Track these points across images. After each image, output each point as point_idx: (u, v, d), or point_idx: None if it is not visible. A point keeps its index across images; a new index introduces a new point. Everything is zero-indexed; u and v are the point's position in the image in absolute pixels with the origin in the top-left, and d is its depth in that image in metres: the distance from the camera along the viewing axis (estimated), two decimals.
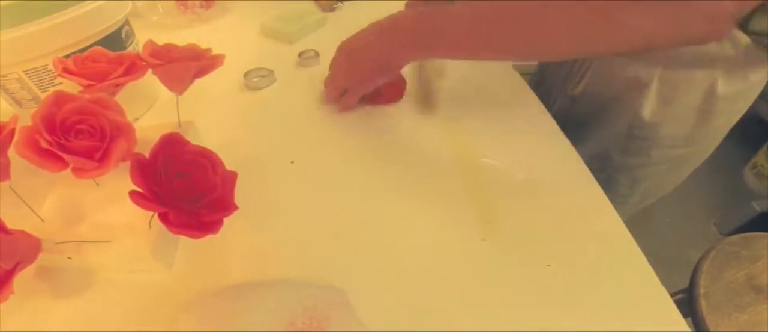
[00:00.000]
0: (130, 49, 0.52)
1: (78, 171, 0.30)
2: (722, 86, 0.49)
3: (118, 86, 0.37)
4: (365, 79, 0.49)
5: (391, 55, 0.46)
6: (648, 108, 0.53)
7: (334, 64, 0.53)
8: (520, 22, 0.37)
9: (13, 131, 0.31)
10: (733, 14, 0.30)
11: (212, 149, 0.33)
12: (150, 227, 0.34)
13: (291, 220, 0.40)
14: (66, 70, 0.37)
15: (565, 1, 0.33)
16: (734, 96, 0.51)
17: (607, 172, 0.60)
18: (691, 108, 0.52)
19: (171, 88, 0.40)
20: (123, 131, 0.32)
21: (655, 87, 0.51)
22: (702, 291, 0.65)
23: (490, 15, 0.38)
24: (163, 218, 0.29)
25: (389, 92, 0.54)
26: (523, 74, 0.59)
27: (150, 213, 0.32)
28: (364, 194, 0.42)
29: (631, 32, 0.32)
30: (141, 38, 0.51)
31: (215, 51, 0.41)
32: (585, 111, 0.43)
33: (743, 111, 0.55)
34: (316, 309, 0.30)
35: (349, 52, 0.50)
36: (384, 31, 0.46)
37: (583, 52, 0.40)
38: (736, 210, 1.34)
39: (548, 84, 0.67)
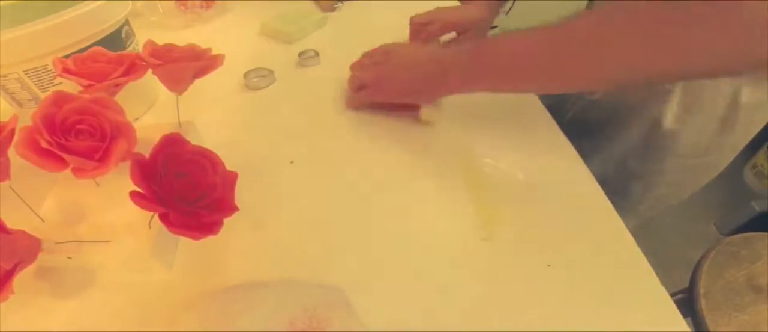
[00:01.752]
0: (130, 49, 0.52)
1: (78, 171, 0.30)
2: (746, 95, 0.48)
3: (118, 86, 0.37)
4: (395, 94, 0.49)
5: (435, 83, 0.45)
6: (669, 116, 0.52)
7: (371, 59, 0.52)
8: (579, 49, 0.35)
9: (13, 131, 0.31)
10: None
11: (212, 149, 0.33)
12: (150, 227, 0.34)
13: (291, 220, 0.40)
14: (66, 70, 0.37)
15: (624, 21, 0.31)
16: (756, 105, 0.50)
17: (621, 178, 0.60)
18: (712, 117, 0.51)
19: (171, 88, 0.40)
20: (123, 131, 0.32)
21: (677, 95, 0.50)
22: (702, 291, 0.65)
23: (547, 44, 0.37)
24: (163, 218, 0.29)
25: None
26: None
27: (150, 213, 0.32)
28: (364, 194, 0.42)
29: (700, 54, 0.30)
30: (141, 38, 0.51)
31: (215, 51, 0.41)
32: (603, 117, 0.42)
33: (763, 123, 0.54)
34: (316, 309, 0.30)
35: (396, 65, 0.49)
36: (438, 57, 0.46)
37: (649, 77, 0.35)
38: (736, 210, 1.34)
39: None
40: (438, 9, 0.64)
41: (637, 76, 0.35)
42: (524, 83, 0.42)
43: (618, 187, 0.59)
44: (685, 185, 0.61)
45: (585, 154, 0.45)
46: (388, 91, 0.49)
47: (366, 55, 0.54)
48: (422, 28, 0.62)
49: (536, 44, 0.37)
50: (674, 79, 0.35)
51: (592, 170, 0.43)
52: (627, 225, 0.38)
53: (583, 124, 0.43)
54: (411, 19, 0.63)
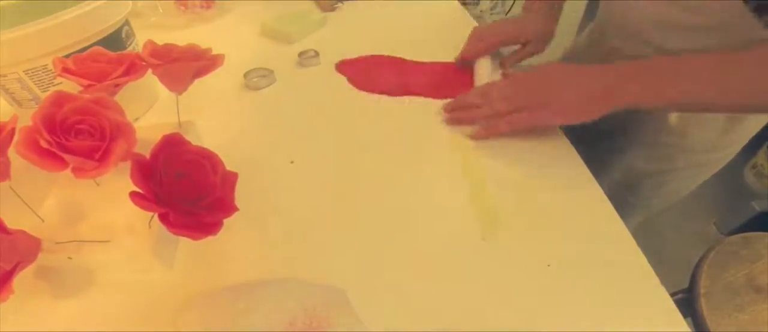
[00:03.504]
0: (130, 49, 0.52)
1: (78, 171, 0.30)
2: None
3: (118, 86, 0.37)
4: (558, 114, 0.45)
5: (612, 89, 0.42)
6: (677, 115, 0.52)
7: (515, 82, 0.49)
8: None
9: (13, 131, 0.31)
10: None
11: (212, 149, 0.33)
12: (150, 227, 0.34)
13: (291, 220, 0.40)
14: (66, 70, 0.37)
15: None
16: None
17: (632, 176, 0.60)
18: (720, 115, 0.51)
19: (171, 88, 0.40)
20: (123, 131, 0.32)
21: None
22: (702, 291, 0.65)
23: (735, 64, 0.38)
24: (163, 218, 0.29)
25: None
26: None
27: (150, 213, 0.32)
28: (364, 194, 0.42)
29: None
30: (141, 38, 0.51)
31: (215, 51, 0.41)
32: (613, 117, 0.42)
33: None
34: (316, 309, 0.30)
35: (553, 74, 0.46)
36: (606, 68, 0.43)
37: None
38: (736, 210, 1.34)
39: None
40: (501, 21, 0.63)
41: None
42: (703, 98, 0.40)
43: (630, 185, 0.59)
44: (694, 179, 0.61)
45: (597, 156, 0.45)
46: (556, 110, 0.45)
47: (490, 88, 0.50)
48: (481, 39, 0.61)
49: (733, 62, 0.38)
50: None
51: (603, 173, 0.43)
52: (636, 221, 0.38)
53: (593, 125, 0.43)
54: (474, 30, 0.62)
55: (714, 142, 0.54)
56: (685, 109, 0.43)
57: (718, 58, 0.39)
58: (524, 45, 0.61)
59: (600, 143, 0.48)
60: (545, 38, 0.62)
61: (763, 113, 0.51)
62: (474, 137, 0.47)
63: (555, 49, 0.72)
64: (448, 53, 0.63)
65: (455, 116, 0.50)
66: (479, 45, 0.60)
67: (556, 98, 0.45)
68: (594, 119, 0.43)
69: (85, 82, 0.36)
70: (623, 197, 0.40)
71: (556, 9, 0.61)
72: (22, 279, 0.28)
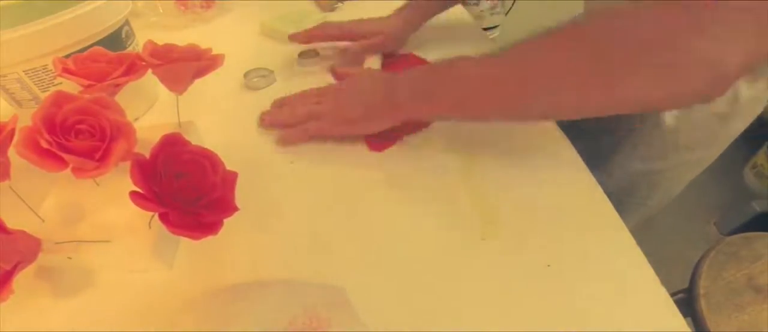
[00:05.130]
0: (130, 49, 0.52)
1: (78, 171, 0.30)
2: (745, 90, 0.49)
3: (118, 86, 0.37)
4: (348, 123, 0.46)
5: (387, 106, 0.43)
6: (670, 115, 0.53)
7: (308, 98, 0.50)
8: (526, 83, 0.36)
9: (13, 131, 0.31)
10: (736, 75, 0.28)
11: (212, 149, 0.33)
12: (150, 227, 0.34)
13: (291, 220, 0.40)
14: (66, 70, 0.37)
15: (567, 59, 0.33)
16: (755, 99, 0.51)
17: (627, 177, 0.60)
18: (713, 113, 0.52)
19: (171, 88, 0.40)
20: (123, 131, 0.32)
21: None
22: (702, 291, 0.65)
23: (499, 74, 0.37)
24: (163, 218, 0.29)
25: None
26: None
27: (150, 213, 0.32)
28: (363, 194, 0.42)
29: (625, 93, 0.32)
30: (141, 38, 0.51)
31: (215, 51, 0.41)
32: (607, 118, 0.42)
33: (758, 113, 0.55)
34: (316, 309, 0.30)
35: (349, 93, 0.47)
36: (386, 77, 0.44)
37: (583, 111, 0.37)
38: (736, 210, 1.34)
39: None
40: (355, 21, 0.63)
41: (570, 111, 0.37)
42: (478, 109, 0.40)
43: (626, 186, 0.59)
44: (686, 177, 0.62)
45: (592, 157, 0.45)
46: (339, 121, 0.46)
47: (301, 94, 0.52)
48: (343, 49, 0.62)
49: (495, 68, 0.37)
50: (598, 113, 0.36)
51: (599, 173, 0.43)
52: (634, 222, 0.38)
53: (588, 126, 0.43)
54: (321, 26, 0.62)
55: (706, 139, 0.55)
56: (471, 119, 0.43)
57: (481, 61, 0.38)
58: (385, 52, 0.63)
59: (596, 142, 0.48)
60: (397, 41, 0.63)
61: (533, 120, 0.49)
62: (278, 143, 0.47)
63: None
64: (448, 53, 0.62)
65: (261, 117, 0.50)
66: (317, 33, 0.60)
67: (349, 109, 0.46)
68: (382, 129, 0.44)
69: (85, 82, 0.36)
70: (619, 198, 0.40)
71: (417, 18, 0.63)
72: (22, 279, 0.28)
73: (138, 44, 0.55)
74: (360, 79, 0.49)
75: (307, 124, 0.47)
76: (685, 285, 0.69)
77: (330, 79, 0.59)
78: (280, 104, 0.52)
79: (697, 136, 0.54)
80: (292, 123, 0.48)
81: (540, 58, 0.35)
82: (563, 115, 0.41)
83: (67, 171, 0.30)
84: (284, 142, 0.47)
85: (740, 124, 0.54)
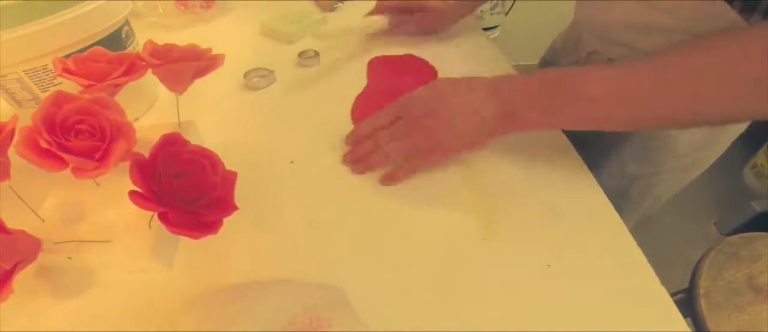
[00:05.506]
0: (130, 49, 0.52)
1: (78, 171, 0.30)
2: None
3: (118, 86, 0.37)
4: (459, 148, 0.42)
5: (504, 123, 0.39)
6: None
7: (389, 118, 0.44)
8: (687, 82, 0.32)
9: (13, 131, 0.31)
10: None
11: (212, 149, 0.33)
12: (150, 227, 0.34)
13: (291, 220, 0.40)
14: (66, 70, 0.37)
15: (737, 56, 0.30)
16: None
17: (622, 181, 0.60)
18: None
19: (171, 88, 0.40)
20: (123, 131, 0.32)
21: None
22: (702, 291, 0.65)
23: (649, 74, 0.33)
24: (163, 218, 0.29)
25: None
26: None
27: (150, 213, 0.32)
28: (363, 194, 0.42)
29: None
30: (141, 38, 0.51)
31: (215, 51, 0.41)
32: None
33: None
34: (316, 309, 0.30)
35: (448, 117, 0.40)
36: (494, 88, 0.39)
37: (738, 114, 0.34)
38: (736, 210, 1.33)
39: None
40: None
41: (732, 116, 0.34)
42: (610, 121, 0.38)
43: (619, 189, 0.59)
44: (682, 179, 0.62)
45: (589, 160, 0.45)
46: (448, 147, 0.42)
47: (378, 116, 0.44)
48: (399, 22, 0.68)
49: (635, 74, 0.34)
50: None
51: (595, 176, 0.43)
52: (628, 224, 0.38)
53: (584, 133, 0.42)
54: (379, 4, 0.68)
55: (700, 143, 0.54)
56: (597, 127, 0.38)
57: (619, 69, 0.35)
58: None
59: (592, 146, 0.48)
60: (443, 17, 0.66)
61: (681, 127, 0.47)
62: (382, 182, 0.43)
63: (540, 52, 0.72)
64: (448, 53, 0.63)
65: (352, 160, 0.45)
66: (398, 29, 0.68)
67: (448, 135, 0.41)
68: (489, 141, 0.43)
69: (85, 82, 0.36)
70: (614, 201, 0.40)
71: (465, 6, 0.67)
72: (22, 279, 0.28)
73: (138, 44, 0.55)
74: (452, 91, 0.42)
75: (410, 164, 0.43)
76: (685, 285, 0.69)
77: (330, 79, 0.60)
78: (355, 140, 0.46)
79: (694, 138, 0.54)
80: (384, 164, 0.43)
81: (707, 64, 0.32)
82: (714, 122, 0.40)
83: (67, 171, 0.30)
84: (389, 182, 0.43)
85: (737, 126, 0.54)
